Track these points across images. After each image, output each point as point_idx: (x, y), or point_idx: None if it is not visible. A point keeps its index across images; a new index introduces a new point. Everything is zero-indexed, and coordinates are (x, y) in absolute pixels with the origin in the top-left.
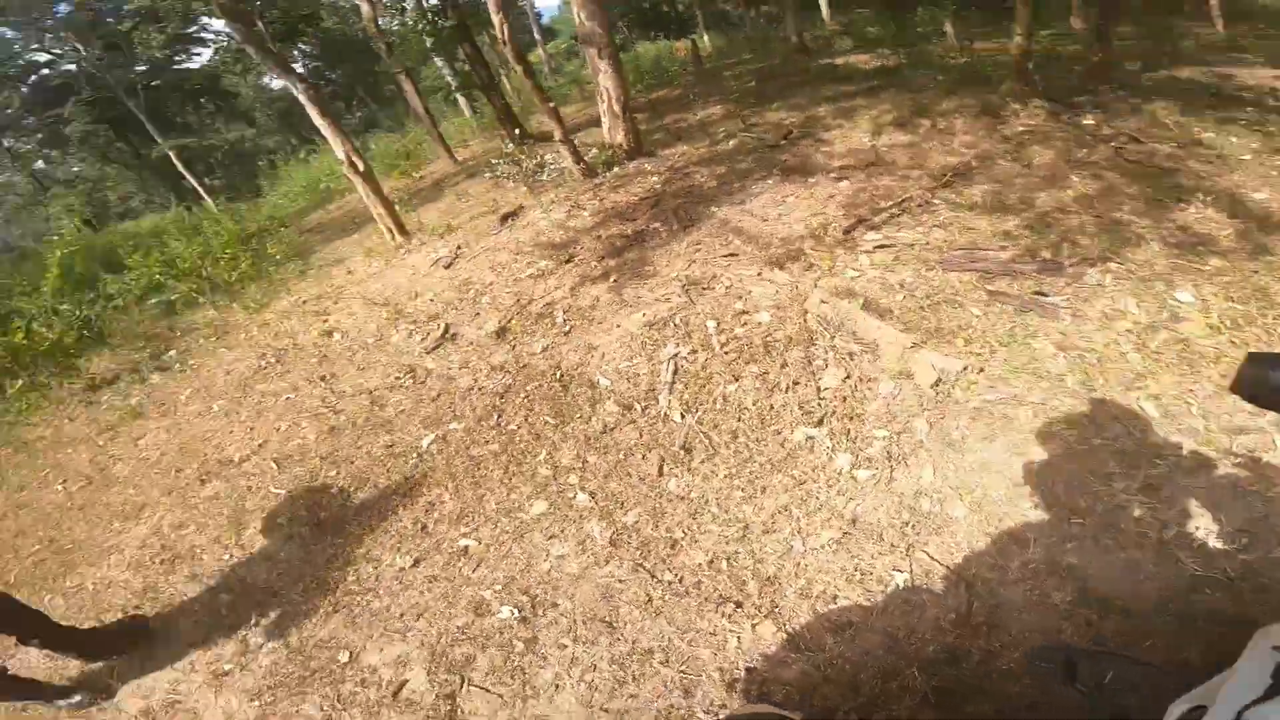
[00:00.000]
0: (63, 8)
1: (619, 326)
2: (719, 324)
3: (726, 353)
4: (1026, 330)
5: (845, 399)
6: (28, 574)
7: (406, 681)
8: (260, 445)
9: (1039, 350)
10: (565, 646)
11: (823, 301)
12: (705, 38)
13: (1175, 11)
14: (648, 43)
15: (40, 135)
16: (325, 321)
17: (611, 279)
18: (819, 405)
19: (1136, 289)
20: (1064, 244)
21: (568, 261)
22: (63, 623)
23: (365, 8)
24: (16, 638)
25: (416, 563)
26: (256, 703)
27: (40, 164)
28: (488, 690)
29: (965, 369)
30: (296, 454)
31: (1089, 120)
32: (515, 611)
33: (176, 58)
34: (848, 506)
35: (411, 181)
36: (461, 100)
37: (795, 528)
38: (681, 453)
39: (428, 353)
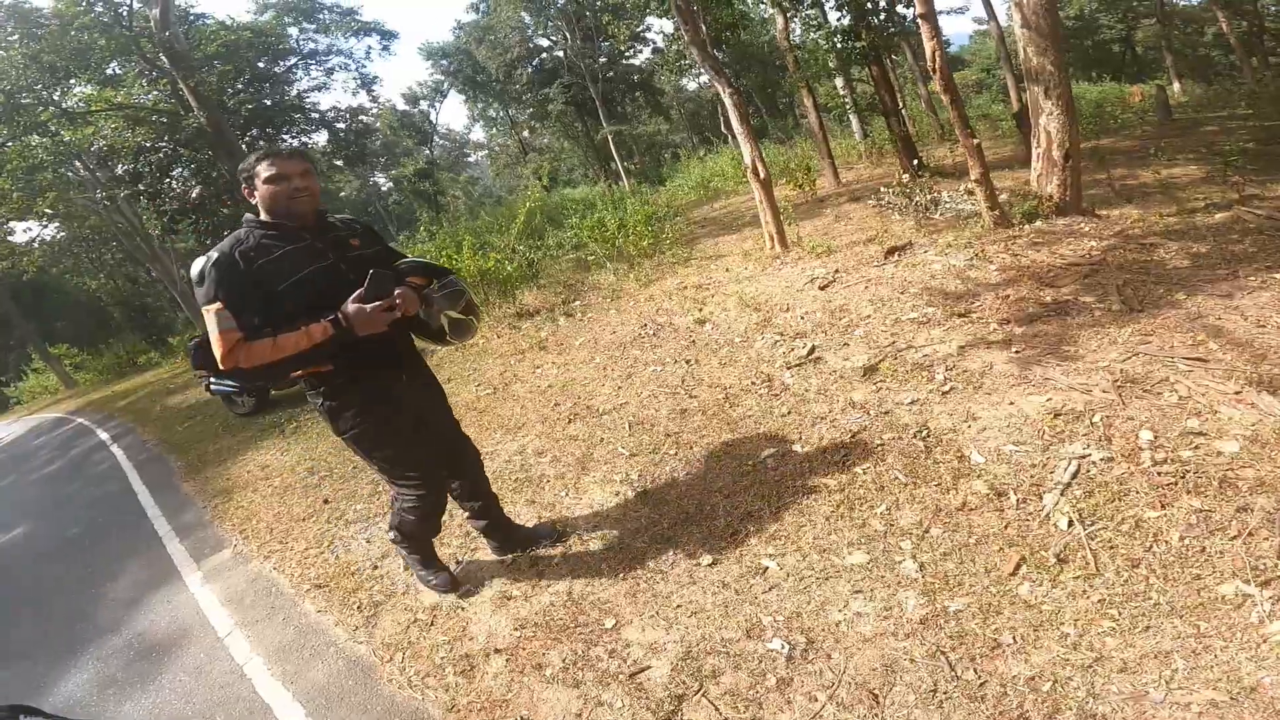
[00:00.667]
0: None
1: (1012, 404)
2: (1156, 437)
3: (1159, 473)
4: None
5: None
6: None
7: (649, 668)
8: (621, 404)
9: None
10: (816, 700)
11: None
12: (1176, 85)
13: None
14: (1086, 83)
15: (531, 110)
16: (701, 310)
17: (1014, 348)
18: (1276, 565)
19: None
20: None
21: (961, 315)
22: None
23: (780, 20)
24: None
25: (714, 564)
26: (519, 632)
27: (526, 133)
28: (717, 708)
29: None
30: (648, 422)
31: None
32: (786, 646)
33: (627, 53)
34: (1254, 674)
35: (798, 194)
36: (854, 121)
37: (1166, 676)
38: (1052, 560)
39: (788, 368)
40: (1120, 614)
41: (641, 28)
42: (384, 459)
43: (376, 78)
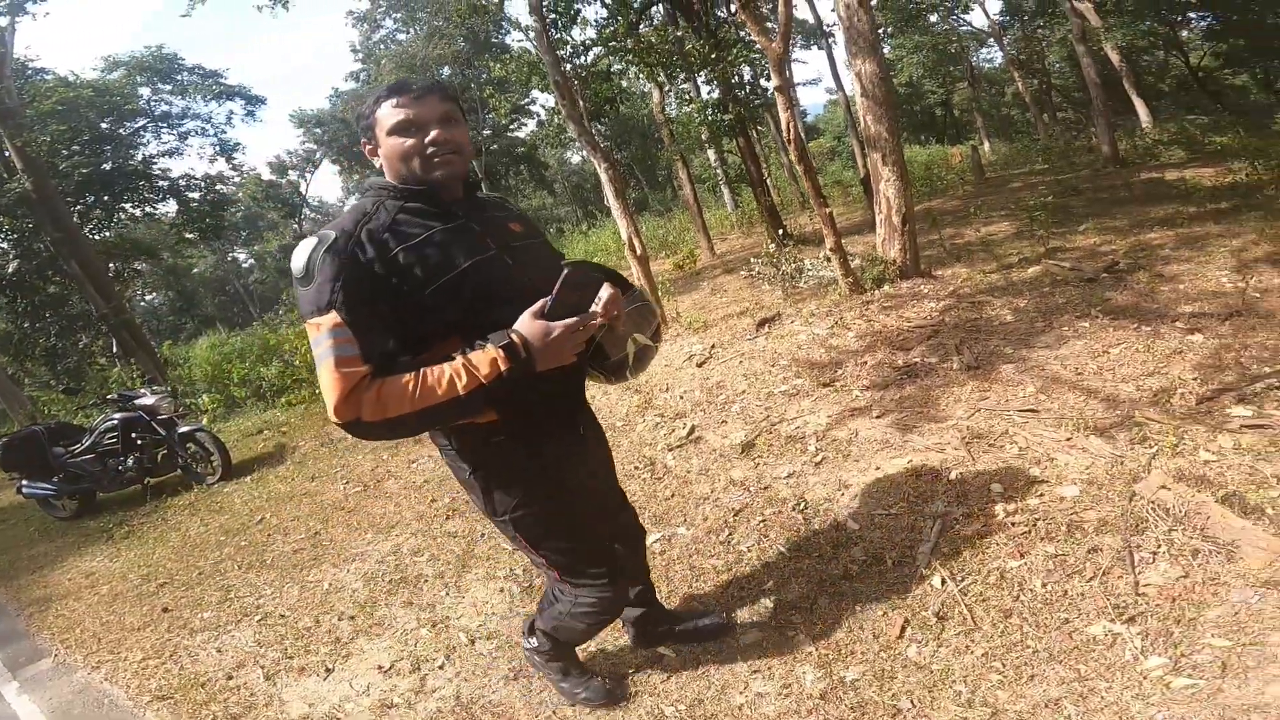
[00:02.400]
0: (445, 70)
1: (878, 468)
2: (1006, 489)
3: (1013, 524)
4: None
5: (1174, 599)
6: (284, 558)
7: None
8: None
9: None
10: None
11: (1162, 487)
12: (986, 145)
13: None
14: (918, 146)
15: None
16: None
17: (875, 414)
18: (1134, 601)
19: None
20: None
21: (826, 385)
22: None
23: (656, 94)
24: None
25: (608, 657)
26: None
27: None
28: None
29: None
30: None
31: None
32: None
33: (511, 126)
34: (1145, 712)
35: (673, 269)
36: (725, 192)
37: None
38: (933, 619)
39: (669, 450)
40: (1004, 665)
41: (525, 100)
42: (561, 551)
43: (238, 144)
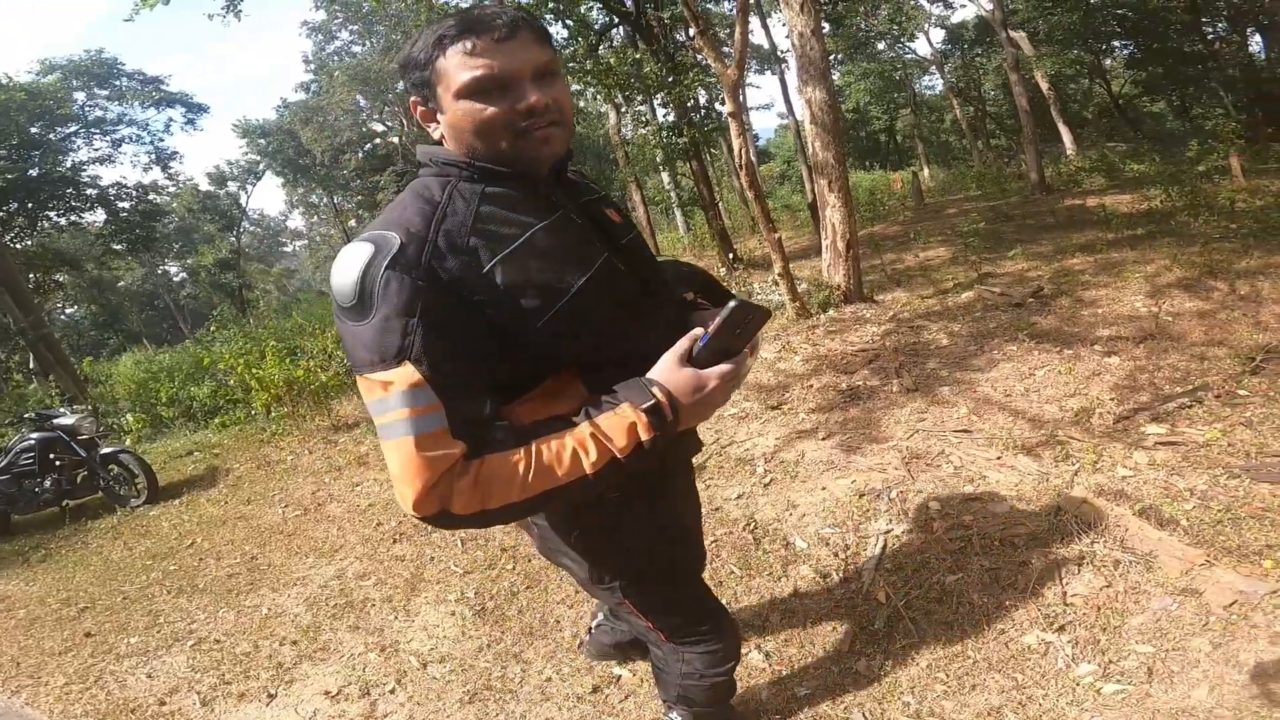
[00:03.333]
0: (401, 85)
1: (824, 489)
2: (943, 507)
3: (950, 540)
4: None
5: (1100, 609)
6: (217, 582)
7: None
8: None
9: None
10: None
11: (1084, 502)
12: (926, 170)
13: None
14: (862, 172)
15: (359, 198)
16: None
17: (821, 435)
18: (1063, 611)
19: None
20: None
21: (775, 408)
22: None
23: (613, 116)
24: None
25: (564, 678)
26: None
27: (353, 222)
28: None
29: (1274, 592)
30: (482, 538)
31: None
32: None
33: None
34: (1080, 718)
35: None
36: (679, 215)
37: None
38: (880, 633)
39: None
40: (948, 676)
41: None
42: (673, 615)
43: (176, 153)
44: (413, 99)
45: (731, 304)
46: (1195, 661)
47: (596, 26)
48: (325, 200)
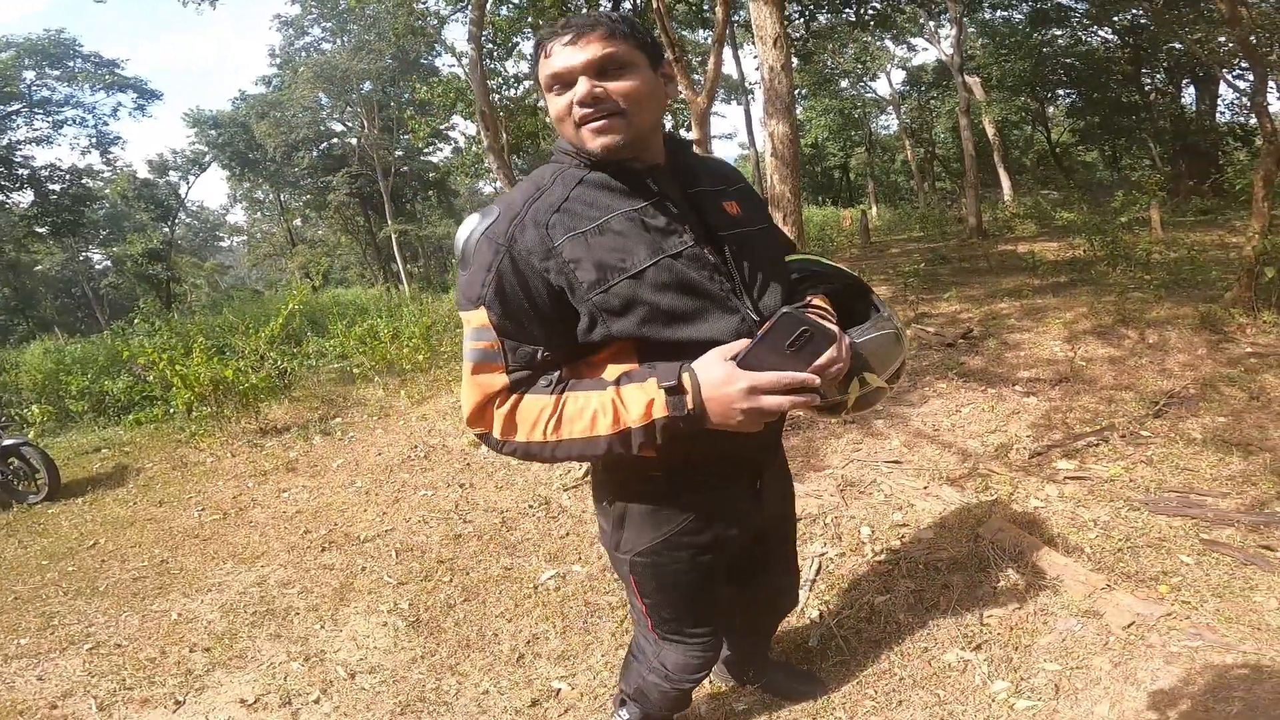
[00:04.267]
0: (367, 86)
1: None
2: (874, 532)
3: (880, 562)
4: (1246, 583)
5: (1013, 629)
6: (122, 586)
7: None
8: (387, 531)
9: (1259, 603)
10: None
11: (1000, 530)
12: (874, 209)
13: None
14: (815, 207)
15: (309, 197)
16: None
17: None
18: (981, 631)
19: None
20: None
21: None
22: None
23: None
24: None
25: (502, 691)
26: None
27: (299, 221)
28: None
29: (1168, 615)
30: (418, 549)
31: None
32: None
33: (426, 150)
34: None
35: None
36: None
37: None
38: (814, 651)
39: (565, 490)
40: (876, 692)
41: (446, 125)
42: (666, 607)
43: (118, 138)
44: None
45: (780, 313)
46: (1097, 679)
47: None
48: (272, 197)
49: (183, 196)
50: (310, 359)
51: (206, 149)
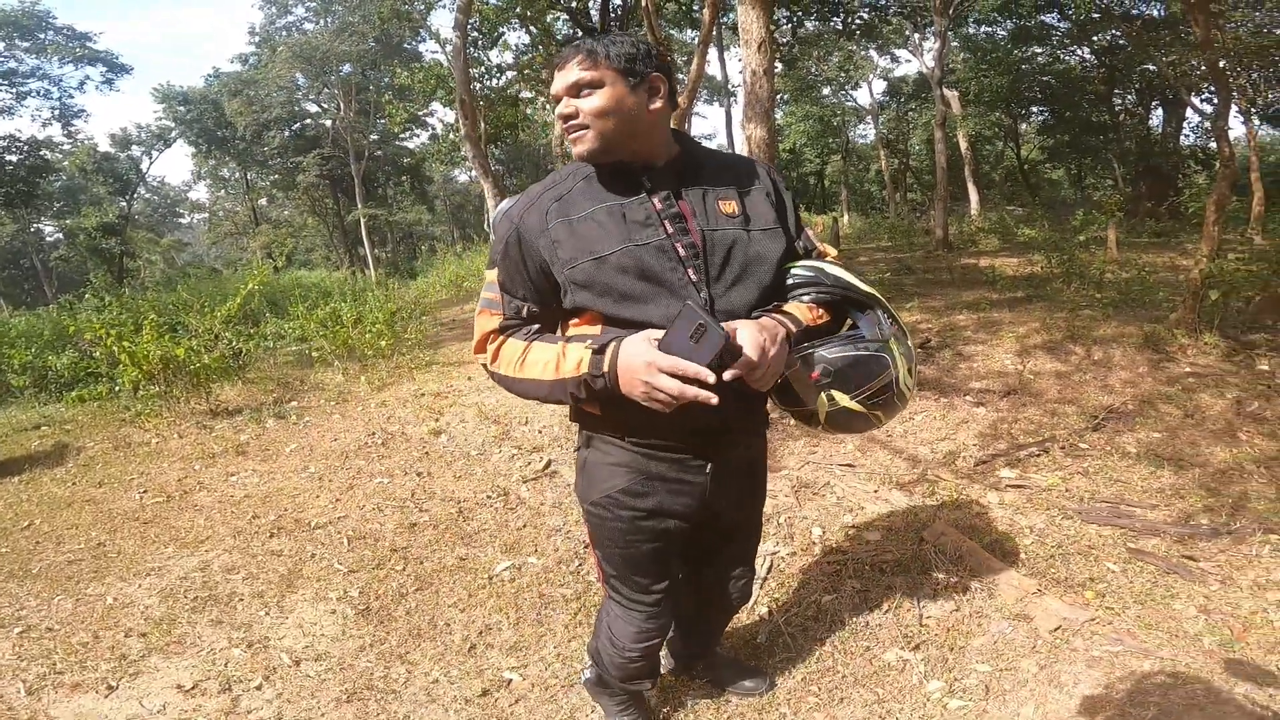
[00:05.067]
0: (346, 68)
1: None
2: (824, 532)
3: (829, 563)
4: (1168, 591)
5: (949, 630)
6: (55, 569)
7: None
8: (339, 518)
9: (1178, 610)
10: None
11: (942, 534)
12: (846, 217)
13: None
14: None
15: (277, 176)
16: (437, 420)
17: None
18: (920, 631)
19: None
20: (1224, 510)
21: None
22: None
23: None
24: None
25: (452, 680)
26: None
27: (264, 200)
28: None
29: (1092, 620)
30: (371, 537)
31: (1264, 365)
32: None
33: (402, 135)
34: None
35: None
36: None
37: None
38: (762, 647)
39: (524, 481)
40: (820, 689)
41: (424, 111)
42: (613, 564)
43: (82, 111)
44: None
45: (683, 306)
46: (1024, 681)
47: (559, 37)
48: (238, 175)
49: (144, 171)
50: (268, 340)
51: (174, 124)
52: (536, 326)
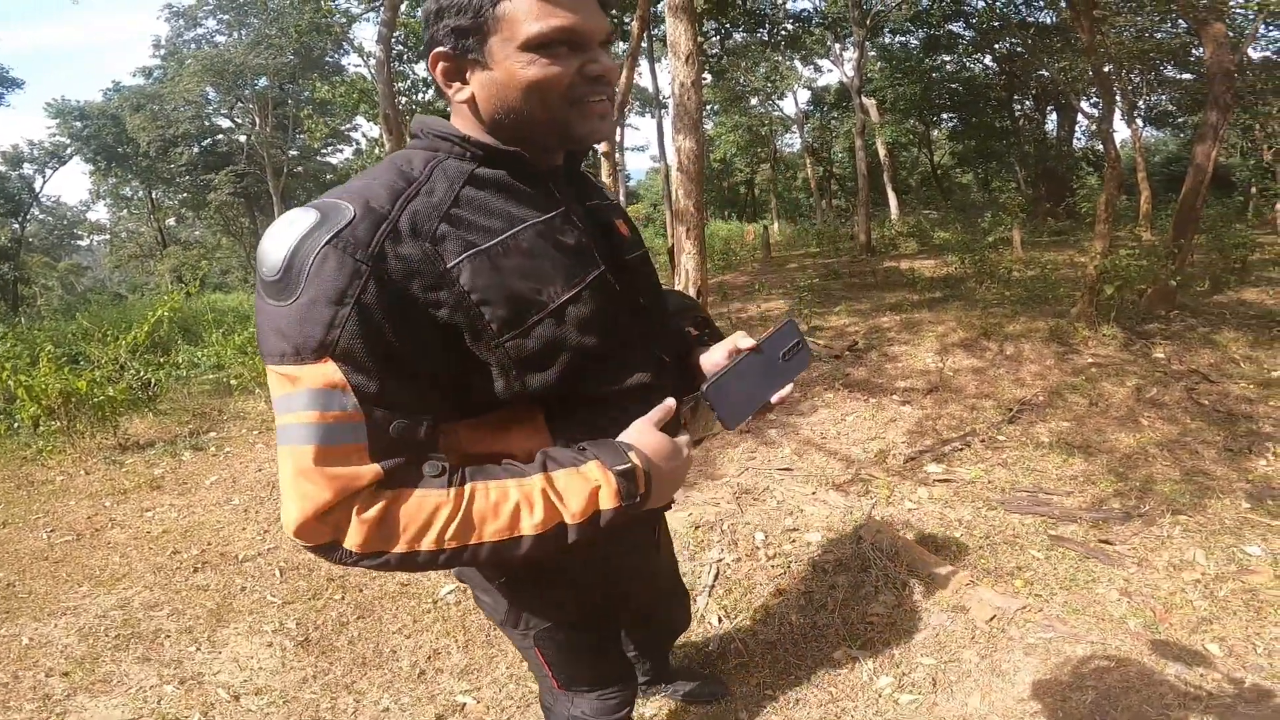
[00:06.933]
0: (262, 82)
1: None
2: (767, 537)
3: (773, 566)
4: (1089, 575)
5: (893, 625)
6: None
7: None
8: (269, 550)
9: (1101, 594)
10: None
11: (878, 532)
12: (776, 225)
13: (1239, 218)
14: (721, 221)
15: (185, 195)
16: None
17: None
18: (865, 628)
19: (1205, 541)
20: (1133, 493)
21: None
22: None
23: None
24: None
25: (404, 708)
26: None
27: (172, 220)
28: None
29: (1024, 608)
30: (304, 568)
31: (1159, 354)
32: None
33: (324, 150)
34: None
35: None
36: None
37: None
38: (714, 654)
39: None
40: (775, 692)
41: (347, 126)
42: (579, 669)
43: None
44: (438, 50)
45: (787, 319)
46: (968, 672)
47: None
48: (142, 194)
49: (37, 191)
50: (180, 369)
51: (69, 141)
52: (442, 456)
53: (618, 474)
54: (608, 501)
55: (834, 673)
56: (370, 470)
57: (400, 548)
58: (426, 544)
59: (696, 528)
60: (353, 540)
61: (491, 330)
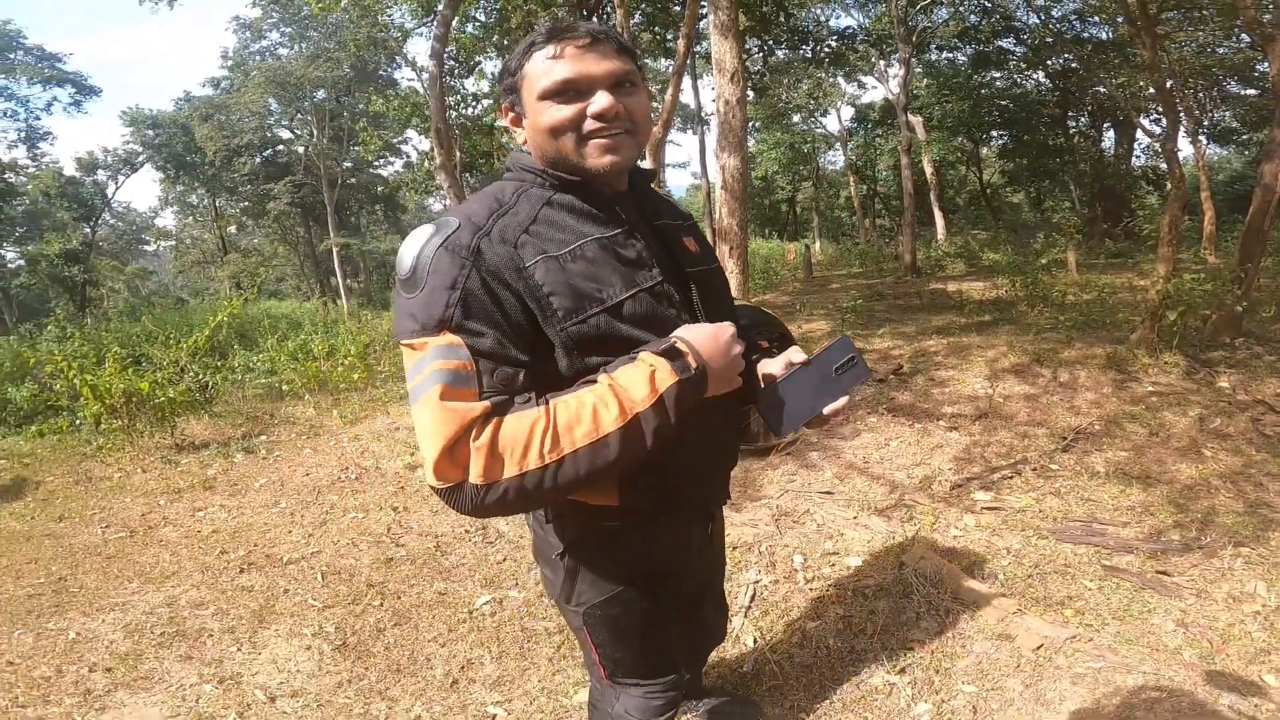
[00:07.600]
0: (320, 94)
1: None
2: (806, 560)
3: (811, 589)
4: (1145, 606)
5: (934, 652)
6: (15, 602)
7: None
8: (313, 554)
9: (1156, 625)
10: None
11: (922, 558)
12: (818, 244)
13: None
14: (762, 239)
15: (246, 204)
16: (413, 455)
17: None
18: (904, 655)
19: (1268, 574)
20: (1193, 525)
21: None
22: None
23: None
24: None
25: (435, 716)
26: None
27: (233, 228)
28: None
29: (1073, 638)
30: (346, 573)
31: (1224, 383)
32: None
33: (376, 163)
34: None
35: None
36: None
37: None
38: (749, 675)
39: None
40: (809, 716)
41: (399, 139)
42: (626, 655)
43: (49, 133)
44: (503, 104)
45: (842, 335)
46: (1011, 700)
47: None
48: (206, 202)
49: (109, 196)
50: (236, 373)
51: (141, 149)
52: (531, 396)
53: (664, 352)
54: (665, 379)
55: (871, 698)
56: (480, 405)
57: (511, 469)
58: (532, 461)
59: (734, 548)
60: (475, 472)
61: (558, 316)
